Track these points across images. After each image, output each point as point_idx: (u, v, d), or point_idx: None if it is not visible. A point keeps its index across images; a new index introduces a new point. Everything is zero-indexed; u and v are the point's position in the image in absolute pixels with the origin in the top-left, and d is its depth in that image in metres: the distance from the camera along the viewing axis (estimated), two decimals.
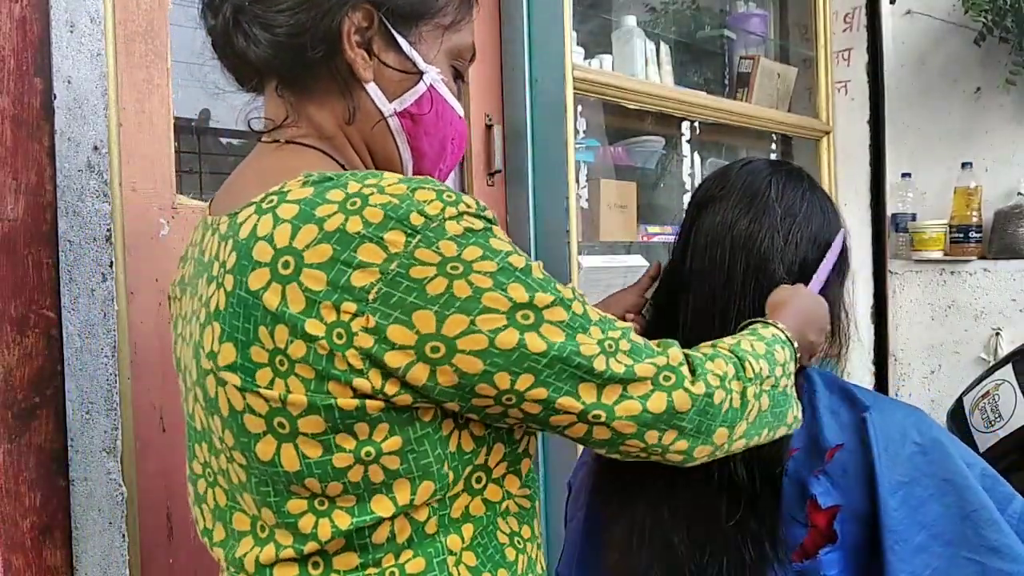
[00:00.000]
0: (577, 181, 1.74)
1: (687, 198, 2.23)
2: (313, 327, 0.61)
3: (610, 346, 0.67)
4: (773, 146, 2.54)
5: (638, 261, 1.94)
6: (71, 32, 1.03)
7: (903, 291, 2.54)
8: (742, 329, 0.83)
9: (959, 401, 1.47)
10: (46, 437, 1.02)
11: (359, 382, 0.62)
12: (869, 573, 0.84)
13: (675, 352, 0.71)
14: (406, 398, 0.63)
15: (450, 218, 0.62)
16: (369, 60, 0.73)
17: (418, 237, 0.61)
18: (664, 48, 2.10)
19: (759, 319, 0.84)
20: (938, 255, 2.43)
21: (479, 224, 0.64)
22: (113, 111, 1.09)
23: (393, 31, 0.73)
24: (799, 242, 0.90)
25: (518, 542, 0.73)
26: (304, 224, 0.62)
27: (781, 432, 0.79)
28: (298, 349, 0.61)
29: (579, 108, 1.84)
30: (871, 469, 0.83)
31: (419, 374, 0.62)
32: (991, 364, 1.60)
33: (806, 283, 0.89)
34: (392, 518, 0.65)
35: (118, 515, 1.06)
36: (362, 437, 0.63)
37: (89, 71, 1.05)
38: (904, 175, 2.54)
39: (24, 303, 1.00)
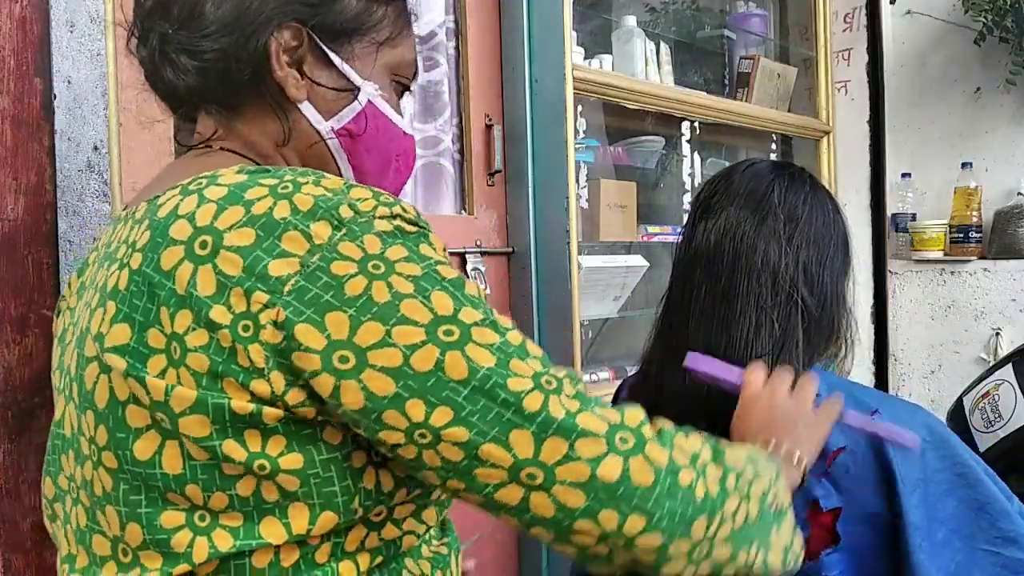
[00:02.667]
0: (577, 181, 1.74)
1: (687, 198, 2.23)
2: (219, 314, 0.55)
3: (548, 383, 0.56)
4: (773, 146, 2.54)
5: (638, 261, 1.94)
6: (71, 32, 1.03)
7: (903, 291, 2.54)
8: None
9: (959, 401, 1.47)
10: (46, 437, 1.02)
11: (257, 384, 0.55)
12: (875, 574, 0.84)
13: (634, 412, 0.60)
14: (309, 411, 0.56)
15: (381, 217, 0.58)
16: (301, 79, 0.70)
17: (343, 230, 0.56)
18: (664, 48, 2.10)
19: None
20: (938, 255, 2.43)
21: (411, 229, 0.59)
22: (113, 111, 1.09)
23: (324, 48, 0.70)
24: (800, 246, 0.90)
25: None
26: (230, 205, 0.57)
27: (774, 561, 0.66)
28: (198, 338, 0.55)
29: (579, 108, 1.84)
30: (887, 470, 0.83)
31: (324, 385, 0.54)
32: (991, 364, 1.60)
33: (808, 286, 0.89)
34: (280, 544, 0.58)
35: None
36: (253, 448, 0.56)
37: (89, 71, 1.05)
38: (904, 175, 2.54)
39: (24, 303, 1.00)
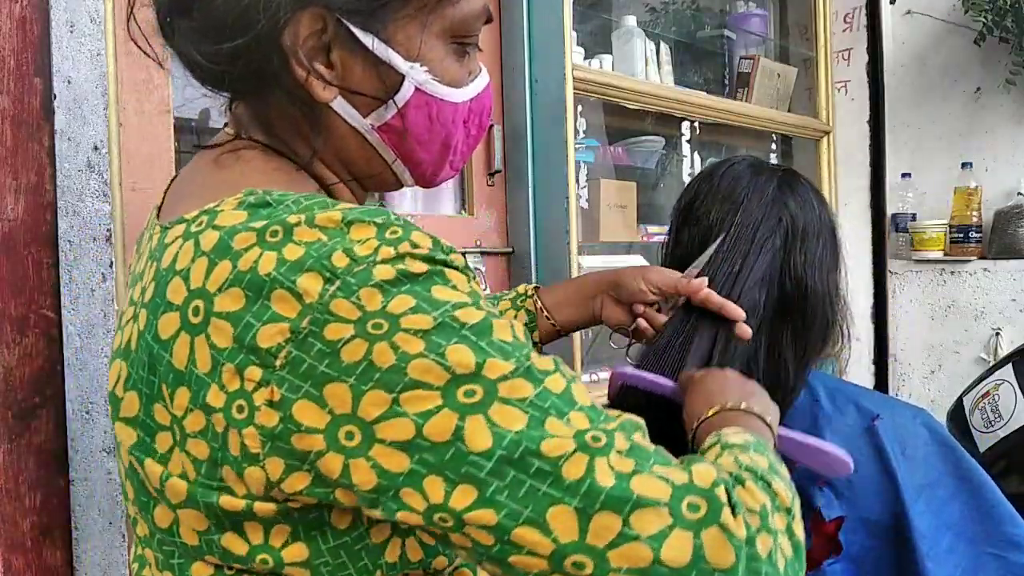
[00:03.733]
0: (577, 181, 1.74)
1: None
2: (213, 396, 0.48)
3: (596, 439, 0.46)
4: (773, 146, 2.54)
5: (638, 261, 1.94)
6: (71, 32, 1.03)
7: (903, 291, 2.54)
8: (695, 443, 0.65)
9: (959, 401, 1.47)
10: (46, 437, 1.02)
11: (251, 472, 0.48)
12: None
13: (704, 469, 0.48)
14: (309, 500, 0.49)
15: (384, 260, 0.47)
16: (329, 72, 0.57)
17: (336, 284, 0.46)
18: (664, 48, 2.10)
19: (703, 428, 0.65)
20: (938, 255, 2.43)
21: (420, 268, 0.48)
22: (113, 111, 1.09)
23: (355, 30, 0.56)
24: (781, 245, 0.88)
25: None
26: (220, 259, 0.49)
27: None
28: (195, 421, 0.49)
29: (579, 108, 1.84)
30: (890, 477, 0.83)
31: (331, 466, 0.47)
32: (991, 364, 1.60)
33: (795, 284, 0.88)
34: None
35: (118, 515, 1.06)
36: (255, 541, 0.50)
37: (89, 71, 1.05)
38: (904, 175, 2.54)
39: (24, 303, 1.00)
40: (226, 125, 0.65)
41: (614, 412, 0.50)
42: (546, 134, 1.68)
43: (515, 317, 0.97)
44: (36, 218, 1.01)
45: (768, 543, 0.48)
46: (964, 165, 2.39)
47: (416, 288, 0.47)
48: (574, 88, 1.67)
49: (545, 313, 0.96)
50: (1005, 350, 2.28)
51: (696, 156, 2.25)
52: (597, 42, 2.07)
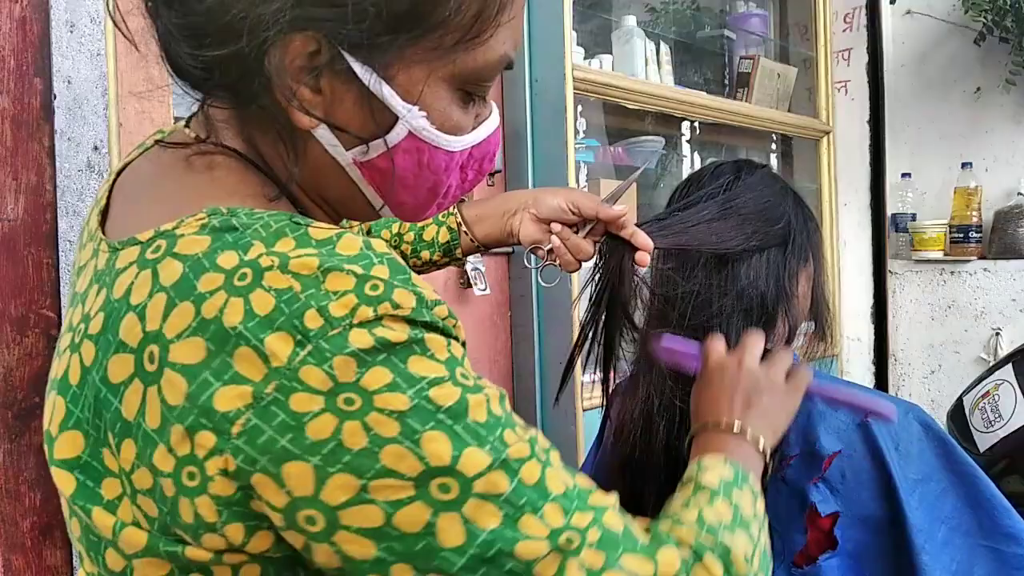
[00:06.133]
0: (577, 181, 1.74)
1: None
2: (161, 458, 0.44)
3: (569, 541, 0.46)
4: (773, 146, 2.54)
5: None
6: (71, 32, 1.03)
7: (903, 291, 2.54)
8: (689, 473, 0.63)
9: (959, 401, 1.47)
10: None
11: (209, 539, 0.44)
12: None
13: (670, 557, 0.50)
14: (279, 553, 0.46)
15: (361, 323, 0.43)
16: (315, 99, 0.50)
17: (307, 348, 0.42)
18: (664, 48, 2.11)
19: (699, 453, 0.66)
20: (938, 255, 2.43)
21: (400, 335, 0.44)
22: (113, 111, 1.09)
23: (354, 63, 0.49)
24: (749, 235, 0.88)
25: None
26: (182, 300, 0.44)
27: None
28: (143, 478, 0.45)
29: (579, 108, 1.84)
30: (884, 472, 0.83)
31: (294, 540, 0.45)
32: (991, 364, 1.60)
33: (775, 285, 0.88)
34: None
35: None
36: None
37: (89, 71, 1.05)
38: (904, 175, 2.54)
39: (24, 303, 1.00)
40: (186, 123, 0.58)
41: (597, 494, 0.49)
42: (546, 134, 1.69)
43: (437, 233, 0.95)
44: (36, 218, 1.01)
45: None
46: (964, 165, 2.39)
47: (393, 360, 0.44)
48: (574, 88, 1.67)
49: (464, 228, 0.95)
50: (1005, 350, 2.28)
51: (696, 156, 2.26)
52: (597, 42, 2.08)
